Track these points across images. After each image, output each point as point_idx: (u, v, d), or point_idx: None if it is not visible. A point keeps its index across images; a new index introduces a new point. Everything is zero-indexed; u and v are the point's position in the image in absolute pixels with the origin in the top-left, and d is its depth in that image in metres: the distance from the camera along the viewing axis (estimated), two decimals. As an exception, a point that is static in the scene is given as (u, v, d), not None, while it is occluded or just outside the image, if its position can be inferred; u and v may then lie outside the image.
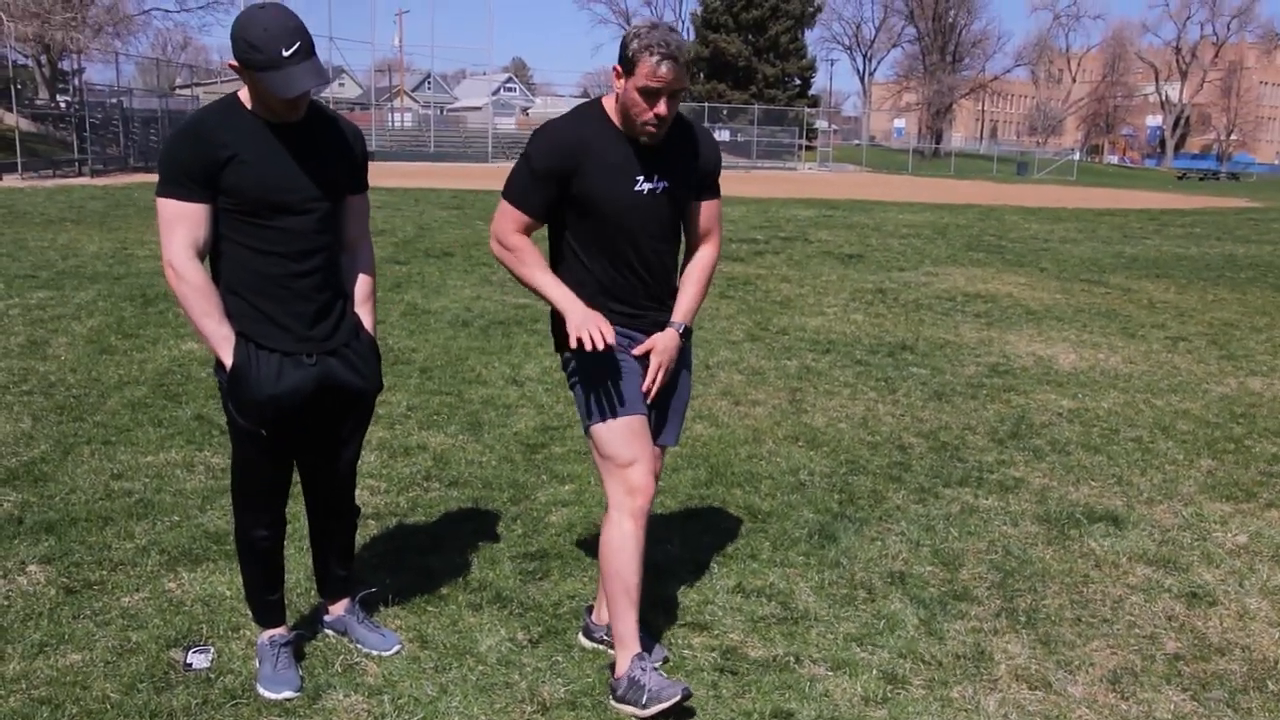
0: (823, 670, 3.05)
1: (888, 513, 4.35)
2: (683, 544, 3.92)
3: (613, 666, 2.91)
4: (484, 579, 3.56)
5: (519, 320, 8.10)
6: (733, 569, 3.73)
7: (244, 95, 2.61)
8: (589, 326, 2.70)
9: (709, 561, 3.79)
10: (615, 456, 2.79)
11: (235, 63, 2.50)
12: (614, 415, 2.80)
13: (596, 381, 2.82)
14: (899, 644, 3.22)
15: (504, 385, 6.15)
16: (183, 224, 2.55)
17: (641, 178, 2.78)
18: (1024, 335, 8.32)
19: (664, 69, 2.62)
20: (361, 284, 2.87)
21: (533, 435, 5.21)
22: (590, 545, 3.87)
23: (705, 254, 3.01)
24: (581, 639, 3.18)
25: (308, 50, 2.48)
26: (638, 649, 2.84)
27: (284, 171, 2.60)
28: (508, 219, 2.80)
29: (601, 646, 3.12)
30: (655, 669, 2.80)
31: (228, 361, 2.63)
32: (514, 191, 2.80)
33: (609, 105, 2.80)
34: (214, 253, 2.64)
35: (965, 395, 6.32)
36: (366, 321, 2.87)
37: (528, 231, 2.81)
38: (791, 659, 3.11)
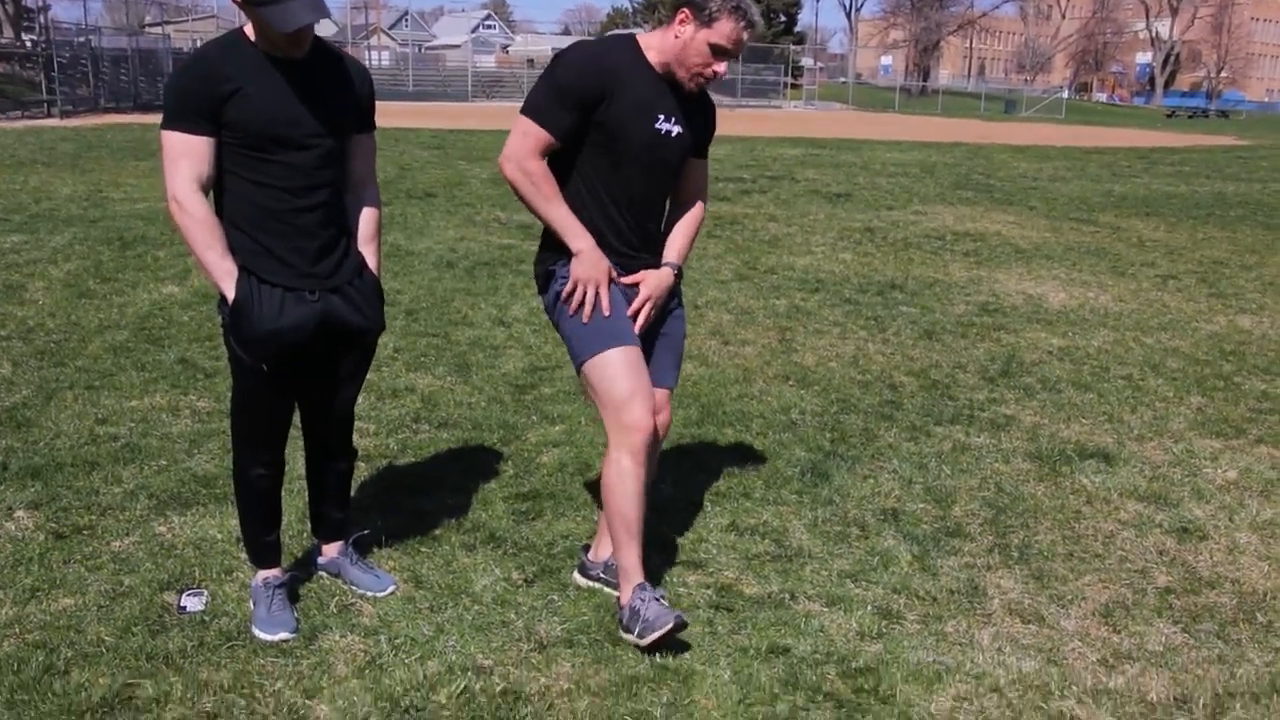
0: (818, 606, 3.09)
1: (880, 451, 4.38)
2: (676, 483, 3.94)
3: (618, 600, 2.95)
4: (477, 520, 3.58)
5: (504, 261, 8.05)
6: (726, 508, 3.76)
7: (249, 30, 2.59)
8: (594, 282, 2.74)
9: (702, 500, 3.82)
10: (610, 392, 2.77)
11: None
12: (606, 348, 2.77)
13: (585, 316, 2.80)
14: (893, 580, 3.26)
15: (491, 326, 6.13)
16: (187, 157, 2.54)
17: (663, 117, 2.80)
18: (1013, 274, 8.34)
19: (745, 35, 2.74)
20: (366, 223, 2.86)
21: (521, 376, 5.21)
22: (582, 485, 3.89)
23: (695, 208, 3.06)
24: (576, 577, 3.20)
25: None
26: (640, 579, 2.87)
27: (287, 106, 2.58)
28: (529, 139, 2.74)
29: (597, 585, 3.14)
30: (657, 599, 2.83)
31: (230, 295, 2.62)
32: (539, 109, 2.73)
33: (645, 42, 2.81)
34: (217, 187, 2.63)
35: (955, 334, 6.34)
36: (370, 261, 2.86)
37: (545, 155, 2.76)
38: (786, 596, 3.14)
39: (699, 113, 2.91)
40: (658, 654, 2.77)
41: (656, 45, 2.79)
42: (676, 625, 2.74)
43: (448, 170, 14.10)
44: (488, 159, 15.41)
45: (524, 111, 2.75)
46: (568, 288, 2.78)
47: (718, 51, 2.72)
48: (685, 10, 2.72)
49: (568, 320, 2.84)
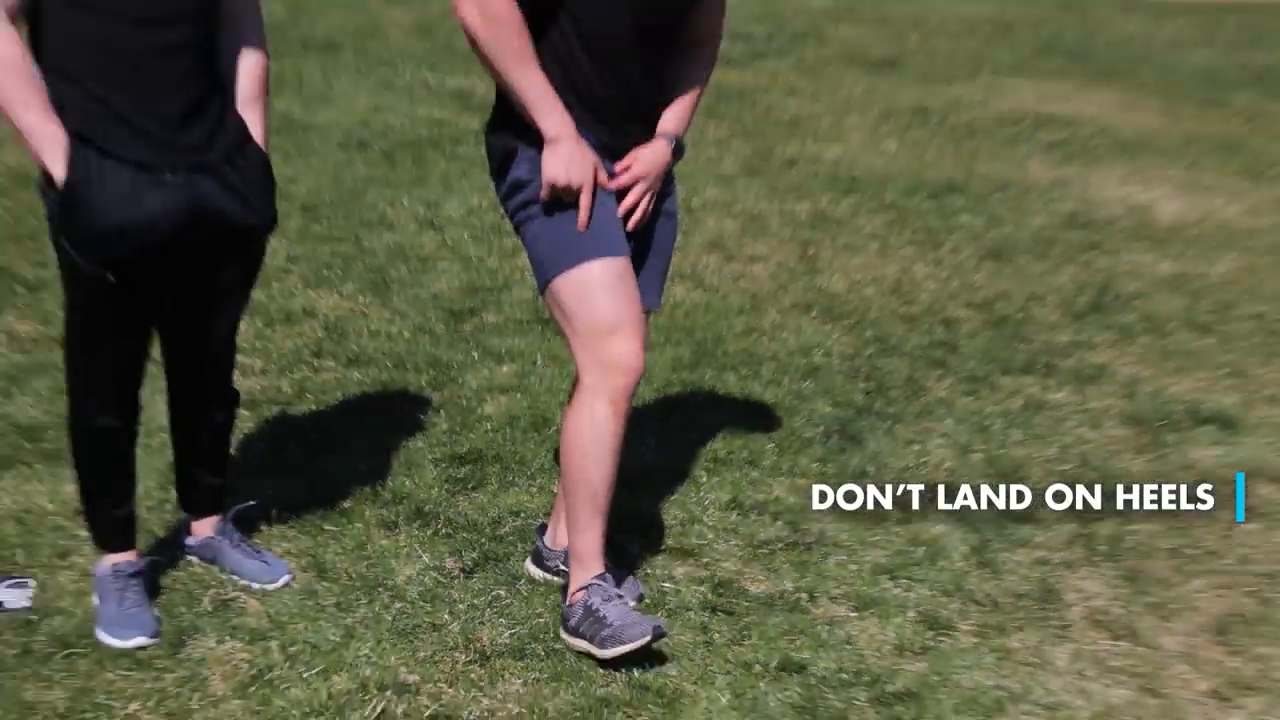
0: (844, 611, 3.14)
1: (928, 408, 4.43)
2: (660, 445, 3.98)
3: (565, 590, 2.99)
4: (399, 489, 3.60)
5: (435, 141, 8.00)
6: (726, 479, 3.81)
7: None
8: (575, 178, 2.70)
9: (694, 469, 3.86)
10: (590, 318, 2.75)
11: None
12: (586, 258, 2.75)
13: (561, 217, 2.78)
14: (943, 578, 3.32)
15: (417, 230, 6.12)
16: None
17: None
18: (1113, 174, 8.35)
19: None
20: (249, 73, 2.79)
21: (458, 298, 5.21)
22: (538, 445, 3.92)
23: (703, 59, 3.03)
24: (530, 567, 3.25)
25: None
26: (600, 569, 2.91)
27: None
28: None
29: (557, 578, 3.18)
30: (621, 599, 2.88)
31: (58, 173, 2.54)
32: None
33: None
34: (35, 18, 2.54)
35: (1032, 254, 6.37)
36: (256, 128, 2.80)
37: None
38: (804, 596, 3.19)
39: None
40: (627, 669, 2.81)
41: None
42: (655, 636, 2.79)
43: (358, 13, 13.87)
44: (412, -1, 15.18)
45: None
46: (544, 192, 2.75)
47: None
48: None
49: (536, 220, 2.82)
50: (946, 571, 3.36)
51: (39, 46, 2.57)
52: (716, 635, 3.00)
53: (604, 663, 2.81)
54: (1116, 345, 5.16)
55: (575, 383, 2.86)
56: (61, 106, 2.55)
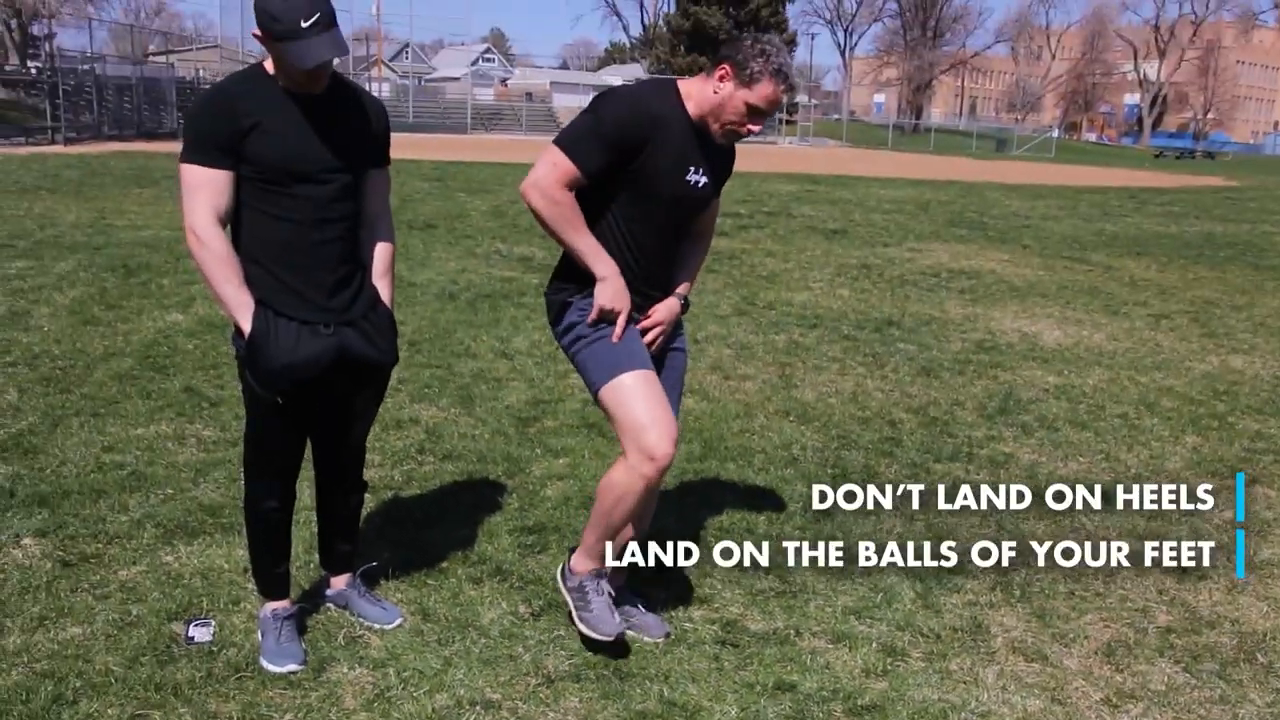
0: (823, 643, 3.10)
1: (881, 487, 4.38)
2: (679, 518, 3.94)
3: (573, 551, 3.04)
4: (483, 552, 3.58)
5: (505, 294, 8.07)
6: (730, 542, 3.76)
7: (269, 64, 2.62)
8: (618, 306, 2.77)
9: (706, 535, 3.82)
10: (629, 417, 2.75)
11: (259, 32, 2.51)
12: (622, 371, 2.77)
13: (604, 343, 2.82)
14: (897, 617, 3.27)
15: (493, 358, 6.14)
16: (205, 190, 2.56)
17: (693, 169, 2.81)
18: (1009, 311, 8.38)
19: (784, 99, 2.78)
20: (380, 257, 2.88)
21: (524, 409, 5.22)
22: (587, 517, 3.87)
23: (703, 242, 3.13)
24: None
25: (328, 21, 2.49)
26: (599, 566, 2.95)
27: (305, 141, 2.60)
28: (559, 171, 2.72)
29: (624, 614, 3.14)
30: (609, 598, 2.93)
31: (246, 328, 2.63)
32: (576, 146, 2.72)
33: (685, 89, 2.80)
34: (235, 221, 2.65)
35: (953, 371, 6.37)
36: (384, 294, 2.88)
37: (572, 189, 2.75)
38: (792, 631, 3.15)
39: (721, 157, 2.93)
40: (659, 690, 2.78)
41: (696, 96, 2.79)
42: (616, 640, 2.88)
43: (448, 202, 14.15)
44: (487, 191, 15.48)
45: (557, 142, 2.75)
46: (593, 315, 2.80)
47: (754, 112, 2.73)
48: (727, 67, 2.72)
49: (584, 348, 2.85)
50: (900, 612, 3.31)
51: (237, 239, 2.67)
52: (726, 662, 2.96)
53: (577, 629, 2.94)
54: (1019, 439, 5.13)
55: (622, 454, 2.85)
56: (249, 281, 2.64)
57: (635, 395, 2.76)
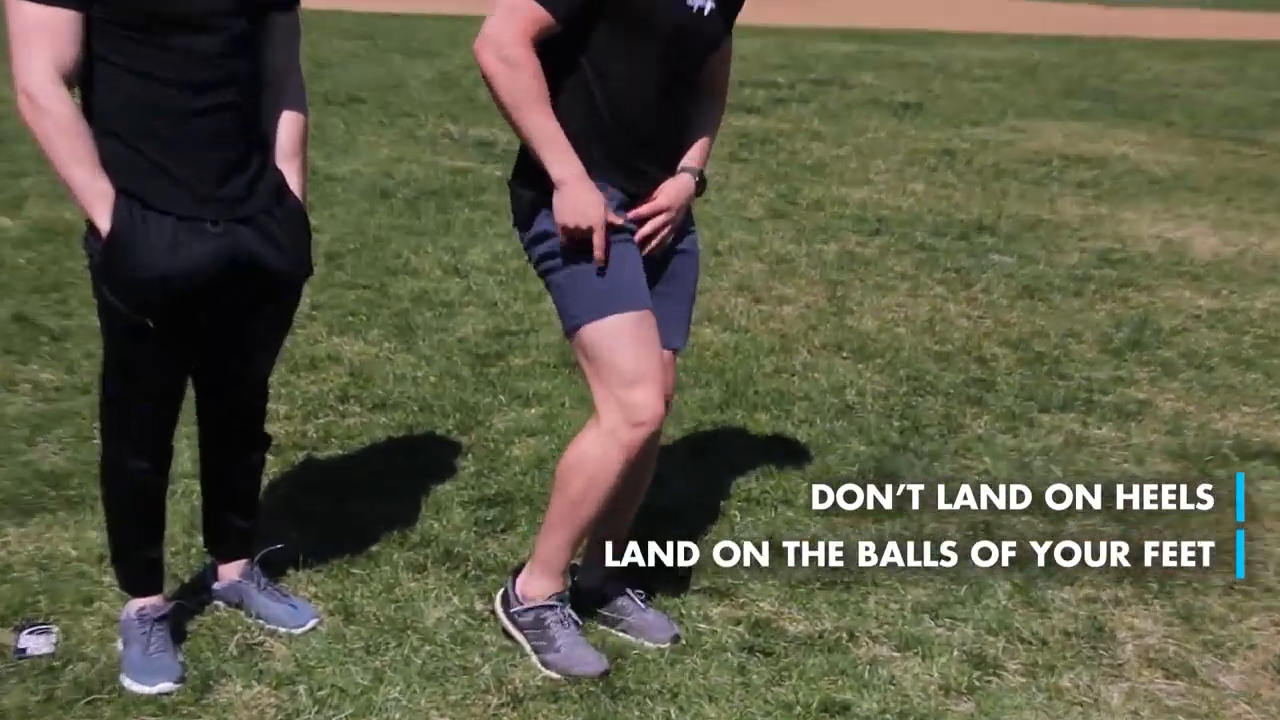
0: (886, 650, 3.12)
1: (966, 445, 4.40)
2: (691, 485, 3.97)
3: (518, 572, 3.07)
4: (427, 532, 3.59)
5: (458, 189, 8.04)
6: (760, 518, 3.79)
7: None
8: (586, 221, 2.74)
9: (728, 509, 3.84)
10: (614, 368, 2.80)
11: None
12: (612, 311, 2.79)
13: (585, 267, 2.82)
14: (988, 617, 3.28)
15: (442, 276, 6.14)
16: (44, 37, 2.52)
17: None
18: (1146, 212, 8.34)
19: None
20: (289, 131, 2.88)
21: (484, 342, 5.22)
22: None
23: (717, 100, 3.12)
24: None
25: None
26: (560, 588, 2.99)
27: None
28: (518, 18, 2.69)
29: (593, 621, 3.17)
30: (575, 626, 2.97)
31: (104, 225, 2.61)
32: None
33: None
34: (86, 81, 2.62)
35: (1067, 292, 6.35)
36: (294, 182, 2.88)
37: (536, 42, 2.72)
38: (844, 635, 3.17)
39: None
40: (672, 710, 2.79)
41: None
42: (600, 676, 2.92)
43: (379, 68, 14.04)
44: (432, 53, 15.35)
45: None
46: (561, 239, 2.80)
47: None
48: None
49: (560, 270, 2.85)
50: (992, 610, 3.32)
51: (89, 104, 2.64)
52: (755, 676, 2.98)
53: (537, 668, 2.95)
54: (1157, 381, 5.12)
55: (594, 414, 2.87)
56: (107, 162, 2.62)
57: (622, 339, 2.79)
